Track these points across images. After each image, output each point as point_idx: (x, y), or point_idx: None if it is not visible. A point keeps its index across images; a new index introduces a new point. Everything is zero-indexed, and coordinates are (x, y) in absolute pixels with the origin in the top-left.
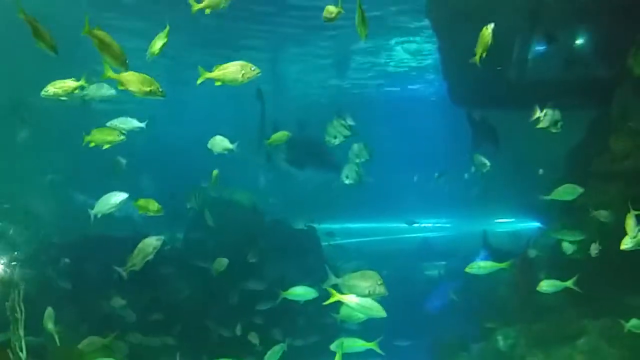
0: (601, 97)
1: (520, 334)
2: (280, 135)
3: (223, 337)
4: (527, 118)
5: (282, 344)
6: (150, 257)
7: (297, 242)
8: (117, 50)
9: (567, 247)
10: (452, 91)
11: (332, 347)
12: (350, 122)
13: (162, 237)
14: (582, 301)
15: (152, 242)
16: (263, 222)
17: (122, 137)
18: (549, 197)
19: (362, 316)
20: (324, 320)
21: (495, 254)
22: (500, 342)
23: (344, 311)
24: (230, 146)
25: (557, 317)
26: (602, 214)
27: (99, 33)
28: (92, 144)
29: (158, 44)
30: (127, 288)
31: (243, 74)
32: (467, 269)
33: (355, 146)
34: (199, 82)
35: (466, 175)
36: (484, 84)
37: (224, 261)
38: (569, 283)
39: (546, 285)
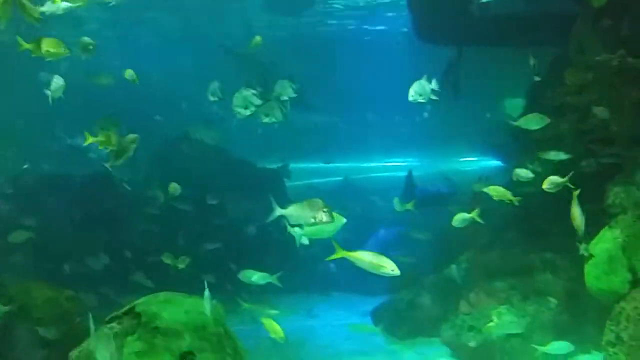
0: (564, 32)
1: (471, 266)
2: (258, 40)
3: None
4: (492, 55)
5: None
6: (130, 153)
7: (261, 181)
8: None
9: (519, 174)
10: (417, 26)
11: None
12: (259, 90)
13: (137, 135)
14: (531, 235)
15: (130, 138)
16: (227, 160)
17: (68, 51)
18: (516, 124)
19: (327, 235)
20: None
21: (423, 193)
22: (453, 274)
23: (306, 231)
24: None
25: (505, 251)
26: (550, 154)
27: None
28: (33, 54)
29: None
30: (88, 227)
31: None
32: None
33: (279, 83)
34: None
35: (425, 114)
36: (451, 18)
37: (176, 186)
38: (473, 214)
39: (456, 220)
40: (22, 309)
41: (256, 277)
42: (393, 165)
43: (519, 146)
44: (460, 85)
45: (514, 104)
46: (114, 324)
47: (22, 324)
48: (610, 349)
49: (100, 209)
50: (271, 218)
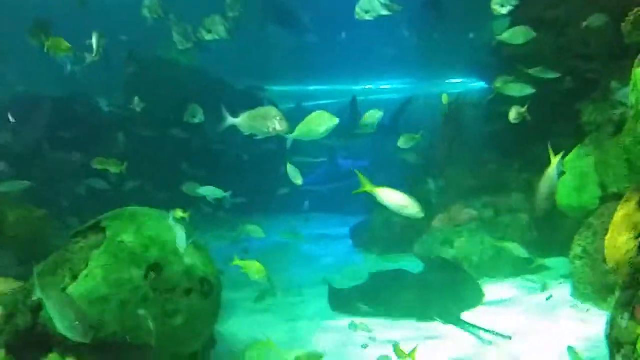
0: None
1: (447, 184)
2: None
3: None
4: None
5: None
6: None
7: (237, 102)
8: None
9: (504, 89)
10: None
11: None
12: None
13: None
14: (508, 154)
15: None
16: (203, 81)
17: None
18: (501, 38)
19: (318, 136)
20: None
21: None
22: (430, 187)
23: (297, 132)
24: None
25: (482, 170)
26: (534, 71)
27: None
28: None
29: None
30: (66, 148)
31: None
32: None
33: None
34: None
35: (406, 33)
36: None
37: (138, 101)
38: (418, 137)
39: (401, 141)
40: None
41: (202, 190)
42: (381, 89)
43: (500, 64)
44: (443, 4)
45: (500, 24)
46: (79, 239)
47: None
48: (577, 262)
49: (79, 130)
50: (223, 127)
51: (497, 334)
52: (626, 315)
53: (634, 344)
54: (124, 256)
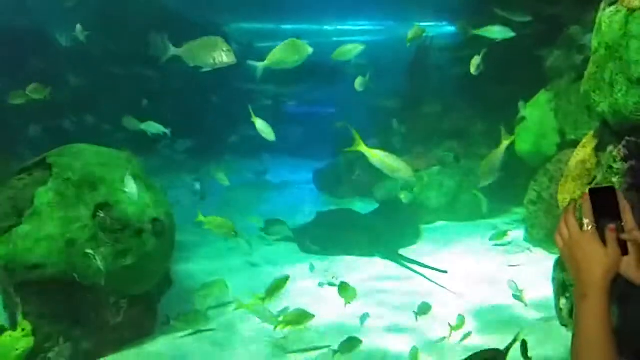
0: None
1: (410, 129)
2: None
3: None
4: None
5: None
6: None
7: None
8: None
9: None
10: None
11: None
12: None
13: None
14: (473, 100)
15: None
16: (165, 12)
17: None
18: None
19: (291, 65)
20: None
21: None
22: (395, 127)
23: (269, 61)
24: None
25: (446, 115)
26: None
27: None
28: None
29: None
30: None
31: None
32: None
33: None
34: None
35: None
36: None
37: (80, 29)
38: (366, 78)
39: (357, 83)
40: None
41: (143, 125)
42: (345, 30)
43: (471, 7)
44: None
45: None
46: (24, 176)
47: None
48: (531, 207)
49: (35, 66)
50: (165, 58)
51: (433, 268)
52: None
53: None
54: (70, 194)
